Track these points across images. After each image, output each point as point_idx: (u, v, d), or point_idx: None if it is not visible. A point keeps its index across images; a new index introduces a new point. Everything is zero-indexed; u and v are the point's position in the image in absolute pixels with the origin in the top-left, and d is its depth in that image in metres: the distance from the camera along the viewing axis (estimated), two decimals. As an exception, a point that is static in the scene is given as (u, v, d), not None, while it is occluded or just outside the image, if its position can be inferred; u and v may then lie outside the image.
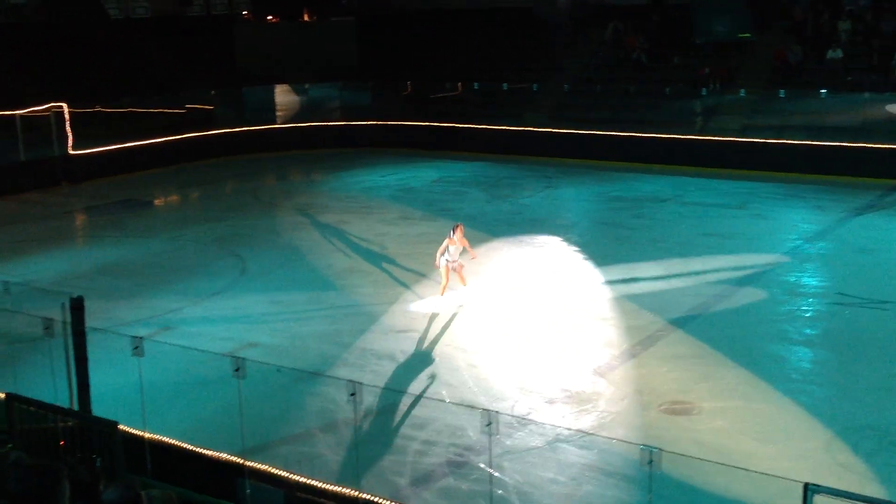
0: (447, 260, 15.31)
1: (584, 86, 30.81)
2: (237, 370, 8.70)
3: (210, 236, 20.56)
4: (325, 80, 33.84)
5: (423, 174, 27.28)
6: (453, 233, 15.44)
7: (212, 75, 32.76)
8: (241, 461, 9.22)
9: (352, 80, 33.69)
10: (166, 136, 28.44)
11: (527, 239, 19.79)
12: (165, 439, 9.76)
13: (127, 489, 4.58)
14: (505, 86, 31.09)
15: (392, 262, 18.32)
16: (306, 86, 34.04)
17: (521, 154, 29.03)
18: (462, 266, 15.53)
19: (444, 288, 15.43)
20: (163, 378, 11.99)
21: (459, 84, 32.25)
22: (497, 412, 8.69)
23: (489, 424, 7.68)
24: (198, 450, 9.61)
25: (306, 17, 37.33)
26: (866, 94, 25.87)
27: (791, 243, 18.95)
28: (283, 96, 34.43)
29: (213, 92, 31.94)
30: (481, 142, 29.91)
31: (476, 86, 31.65)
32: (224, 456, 9.48)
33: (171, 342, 13.04)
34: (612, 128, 27.97)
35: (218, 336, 14.13)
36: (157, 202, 25.85)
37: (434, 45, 33.62)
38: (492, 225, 21.07)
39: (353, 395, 8.20)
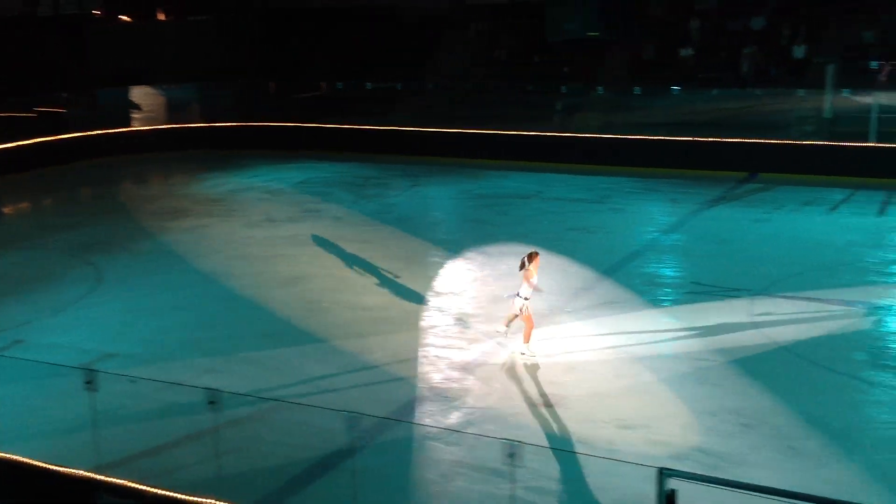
0: (525, 299, 12.76)
1: (448, 84, 31.02)
2: (89, 382, 8.35)
3: (64, 245, 19.73)
4: (185, 80, 33.00)
5: (288, 175, 26.91)
6: (529, 263, 12.75)
7: (63, 77, 31.48)
8: (97, 476, 8.85)
9: (213, 80, 32.96)
10: (15, 141, 27.17)
11: (394, 238, 19.76)
12: (14, 457, 9.28)
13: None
14: (369, 85, 31.02)
15: (257, 265, 18.00)
16: (165, 86, 33.13)
17: (387, 153, 29.03)
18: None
19: (529, 333, 12.94)
20: (12, 393, 11.43)
21: (323, 84, 31.98)
22: (365, 414, 8.63)
23: (352, 427, 7.59)
24: (50, 467, 9.17)
25: (161, 17, 36.31)
26: (715, 91, 26.92)
27: (649, 235, 19.52)
28: (141, 98, 33.43)
29: (64, 94, 30.69)
30: (347, 142, 29.76)
31: (340, 85, 31.47)
32: (79, 472, 9.07)
33: (22, 356, 12.45)
34: (475, 126, 28.25)
35: (73, 348, 13.56)
36: (6, 210, 24.63)
37: (297, 45, 33.24)
38: (359, 225, 20.98)
39: (212, 402, 7.98)
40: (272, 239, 19.90)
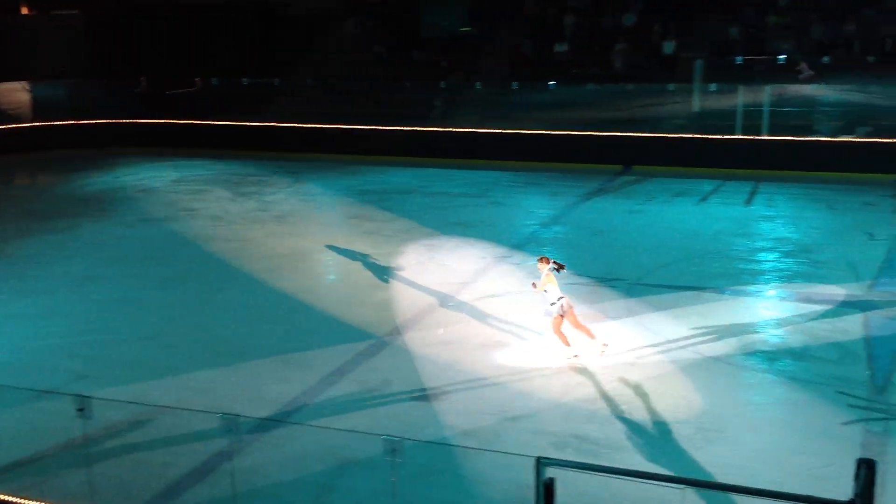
0: (559, 302, 12.29)
1: (328, 80, 30.78)
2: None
3: (-77, 249, 18.78)
4: (52, 76, 31.76)
5: (163, 174, 26.26)
6: (544, 266, 12.46)
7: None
8: (-39, 492, 8.46)
9: (81, 76, 31.83)
10: None
11: (274, 236, 19.51)
12: None
13: None
14: (245, 81, 30.50)
15: (132, 266, 17.49)
16: (30, 83, 31.79)
17: (266, 150, 28.69)
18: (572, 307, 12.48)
19: (565, 339, 12.48)
20: None
21: (198, 79, 31.28)
22: (243, 415, 8.47)
23: (231, 430, 7.45)
24: None
25: (25, 11, 34.85)
26: (590, 86, 27.50)
27: (529, 228, 19.81)
28: (3, 96, 32.00)
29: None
30: (223, 139, 29.26)
31: (215, 81, 30.85)
32: (-59, 488, 8.66)
33: None
34: (356, 122, 28.14)
35: (-66, 358, 12.93)
36: None
37: (170, 40, 32.39)
38: (237, 223, 20.64)
39: (81, 409, 7.70)
40: (147, 239, 19.39)
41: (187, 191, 24.15)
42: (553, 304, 12.39)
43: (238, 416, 8.00)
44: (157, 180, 25.46)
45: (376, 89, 29.50)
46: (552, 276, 12.42)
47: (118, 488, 9.50)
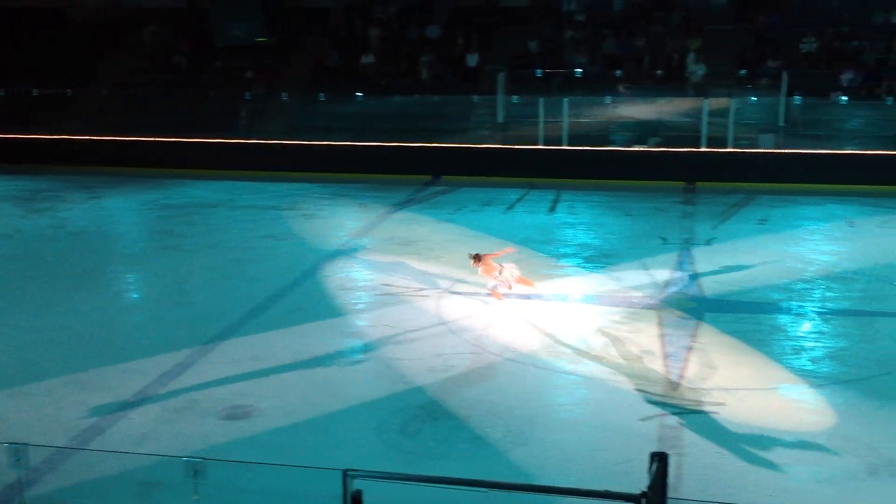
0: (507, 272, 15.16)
1: (124, 91, 29.62)
2: None
3: None
4: None
5: (-56, 190, 24.55)
6: (477, 262, 15.25)
7: None
8: None
9: None
10: None
11: (70, 254, 18.56)
12: None
13: None
14: (36, 91, 28.92)
15: None
16: None
17: (59, 164, 27.33)
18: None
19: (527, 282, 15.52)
20: None
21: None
22: (33, 444, 7.98)
23: (20, 460, 6.99)
24: None
25: None
26: (397, 97, 27.76)
27: (340, 240, 19.71)
28: None
29: None
30: (13, 153, 27.63)
31: (1, 92, 29.09)
32: None
33: None
34: (156, 134, 27.23)
35: None
36: None
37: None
38: (28, 242, 19.54)
39: None
40: (-73, 261, 18.05)
41: (-28, 208, 22.68)
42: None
43: (28, 444, 7.50)
44: (-63, 197, 23.79)
45: (177, 99, 28.63)
46: (488, 261, 15.15)
47: None
